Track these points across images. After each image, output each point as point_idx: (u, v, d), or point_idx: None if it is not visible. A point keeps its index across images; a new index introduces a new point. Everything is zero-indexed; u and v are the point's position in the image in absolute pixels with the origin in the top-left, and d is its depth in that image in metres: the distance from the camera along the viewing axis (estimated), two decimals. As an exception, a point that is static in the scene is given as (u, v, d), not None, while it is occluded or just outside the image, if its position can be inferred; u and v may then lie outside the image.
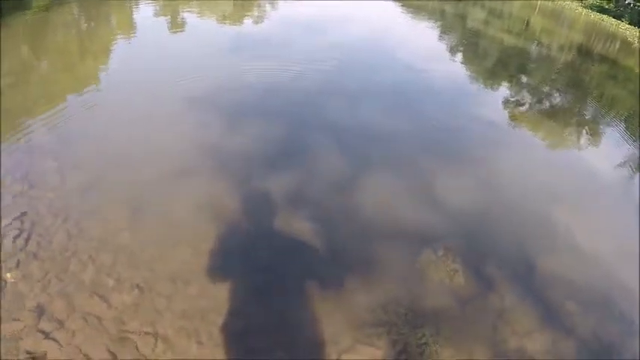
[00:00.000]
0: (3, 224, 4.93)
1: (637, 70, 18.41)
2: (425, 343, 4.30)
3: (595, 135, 10.71)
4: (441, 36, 18.93)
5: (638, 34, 26.32)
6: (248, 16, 16.83)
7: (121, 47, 11.13)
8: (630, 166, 9.19)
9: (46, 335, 3.98)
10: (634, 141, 10.74)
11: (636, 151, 10.05)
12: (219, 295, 4.47)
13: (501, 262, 5.51)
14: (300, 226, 5.55)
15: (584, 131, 10.77)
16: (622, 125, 11.97)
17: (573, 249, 6.08)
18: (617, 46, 23.50)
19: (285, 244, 5.29)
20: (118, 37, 12.06)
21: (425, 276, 5.09)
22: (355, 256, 5.26)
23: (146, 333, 4.07)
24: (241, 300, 4.48)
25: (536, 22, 27.89)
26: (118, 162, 6.29)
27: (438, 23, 21.77)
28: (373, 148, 7.74)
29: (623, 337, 4.89)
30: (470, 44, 18.33)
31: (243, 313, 4.36)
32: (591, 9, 33.37)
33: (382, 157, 7.50)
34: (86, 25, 13.35)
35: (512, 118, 10.50)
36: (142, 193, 5.71)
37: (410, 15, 23.36)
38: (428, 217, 6.11)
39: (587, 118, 12.02)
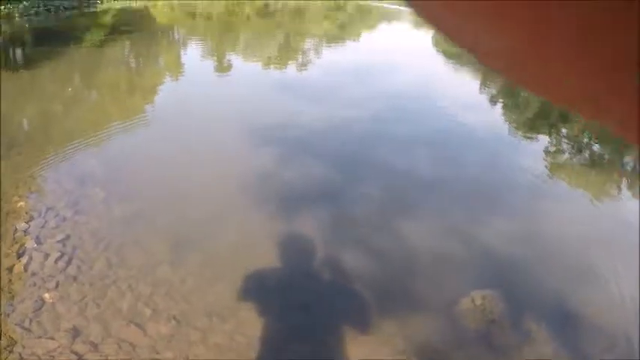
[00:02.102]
0: (48, 245, 5.07)
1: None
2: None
3: (635, 185, 10.55)
4: (482, 85, 18.99)
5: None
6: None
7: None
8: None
9: (79, 357, 3.99)
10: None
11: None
12: (254, 332, 4.48)
13: (541, 313, 5.47)
14: (338, 269, 5.63)
15: (624, 182, 10.64)
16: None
17: (613, 298, 6.03)
18: None
19: (322, 285, 5.38)
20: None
21: (462, 325, 5.08)
22: (391, 300, 5.27)
23: (179, 363, 4.08)
24: (275, 337, 4.49)
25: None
26: (165, 195, 6.53)
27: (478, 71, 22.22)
28: (419, 191, 8.01)
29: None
30: (510, 93, 18.39)
31: (277, 350, 4.37)
32: None
33: (426, 200, 7.73)
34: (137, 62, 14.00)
35: (553, 169, 10.44)
36: (185, 229, 5.86)
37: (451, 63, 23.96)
38: (466, 267, 6.13)
39: (627, 168, 11.90)
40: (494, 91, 18.39)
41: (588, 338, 5.32)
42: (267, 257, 5.58)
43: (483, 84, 19.25)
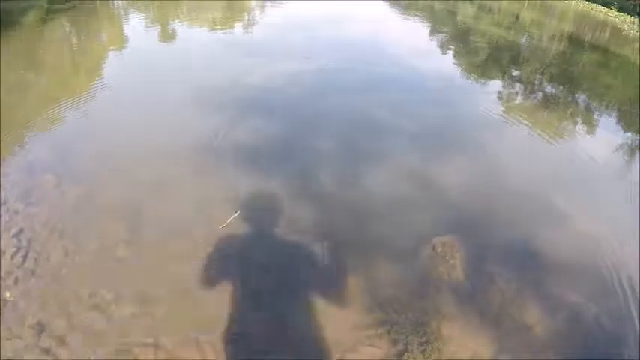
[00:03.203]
0: (2, 241, 4.95)
1: (630, 57, 18.48)
2: (426, 342, 4.31)
3: (589, 123, 10.75)
4: (432, 32, 19.02)
5: (627, 20, 26.44)
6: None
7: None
8: (626, 150, 9.27)
9: (48, 352, 3.98)
10: (628, 127, 10.80)
11: (632, 136, 10.15)
12: (219, 303, 4.48)
13: (500, 254, 5.53)
14: (298, 226, 5.59)
15: (578, 120, 10.82)
16: (615, 112, 12.03)
17: (574, 235, 6.09)
18: (607, 33, 23.58)
19: (283, 245, 5.32)
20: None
21: (424, 273, 5.11)
22: (352, 254, 5.28)
23: (147, 345, 4.07)
24: (241, 306, 4.49)
25: (526, 15, 27.96)
26: (116, 173, 6.36)
27: (429, 20, 21.86)
28: (375, 139, 7.94)
29: (628, 324, 4.85)
30: (461, 39, 18.40)
31: (244, 319, 4.37)
32: (580, -2, 33.50)
33: (376, 147, 7.69)
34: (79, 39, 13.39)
35: (507, 110, 10.53)
36: (140, 205, 5.73)
37: (401, 13, 23.42)
38: (424, 212, 6.13)
39: (581, 107, 12.06)
40: (444, 38, 18.09)
41: (551, 276, 5.35)
42: (225, 223, 5.49)
43: (433, 31, 19.13)
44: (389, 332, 4.37)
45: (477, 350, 4.31)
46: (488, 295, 4.92)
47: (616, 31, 23.76)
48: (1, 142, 6.69)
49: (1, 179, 5.93)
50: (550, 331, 4.64)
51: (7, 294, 4.45)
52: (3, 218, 5.29)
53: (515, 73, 14.43)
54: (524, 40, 20.35)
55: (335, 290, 4.72)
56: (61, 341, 4.08)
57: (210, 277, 4.72)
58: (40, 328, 4.16)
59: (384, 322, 4.47)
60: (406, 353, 4.19)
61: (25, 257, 4.83)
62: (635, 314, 4.93)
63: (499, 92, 11.98)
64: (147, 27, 14.71)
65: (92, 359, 3.93)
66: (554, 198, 6.82)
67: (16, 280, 4.57)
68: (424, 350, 4.23)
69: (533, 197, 6.84)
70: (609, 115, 11.82)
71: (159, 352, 4.01)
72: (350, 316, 4.48)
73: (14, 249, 4.90)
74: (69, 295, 4.47)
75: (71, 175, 6.19)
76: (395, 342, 4.29)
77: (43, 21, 14.07)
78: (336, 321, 4.39)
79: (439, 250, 5.32)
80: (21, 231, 5.14)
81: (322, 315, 4.43)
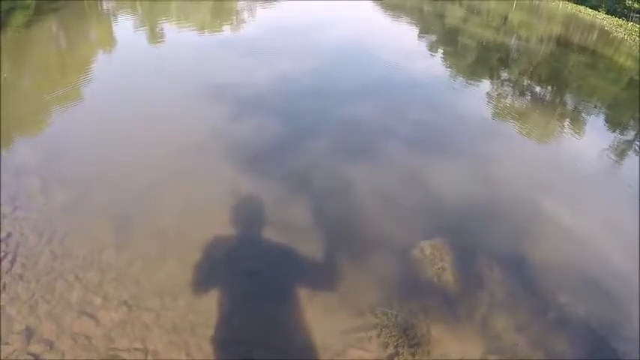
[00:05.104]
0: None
1: (616, 59, 18.67)
2: (416, 344, 4.33)
3: (577, 124, 10.84)
4: (421, 34, 19.10)
5: (615, 23, 26.71)
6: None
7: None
8: (614, 151, 9.36)
9: (36, 357, 3.96)
10: (616, 128, 10.93)
11: (619, 137, 10.27)
12: (207, 307, 4.46)
13: (490, 256, 5.54)
14: (287, 228, 5.58)
15: (567, 121, 10.91)
16: (603, 113, 12.15)
17: (562, 236, 6.14)
18: (595, 35, 23.79)
19: (272, 248, 5.32)
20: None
21: (413, 276, 5.13)
22: (342, 257, 5.28)
23: (136, 349, 4.06)
24: (230, 310, 4.47)
25: (515, 17, 28.14)
26: (103, 175, 6.33)
27: (418, 22, 21.94)
28: (358, 138, 8.07)
29: (617, 325, 4.90)
30: (449, 41, 18.50)
31: (233, 323, 4.36)
32: (569, 0, 33.75)
33: (363, 149, 7.76)
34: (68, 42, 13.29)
35: (496, 112, 10.60)
36: (127, 207, 5.71)
37: (390, 15, 23.48)
38: (414, 215, 6.15)
39: (569, 108, 12.16)
40: (433, 39, 18.21)
41: (540, 276, 5.39)
42: (213, 226, 5.48)
43: (422, 33, 19.25)
44: (379, 335, 4.38)
45: (467, 352, 4.33)
46: (478, 298, 4.95)
47: (604, 33, 23.98)
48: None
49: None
50: (539, 332, 4.67)
51: (-5, 299, 4.42)
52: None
53: (503, 74, 14.53)
54: (512, 41, 20.47)
55: (324, 294, 4.72)
56: (50, 347, 4.04)
57: (199, 282, 4.71)
58: (29, 334, 4.13)
59: (373, 325, 4.47)
60: (396, 357, 4.21)
61: (12, 262, 4.79)
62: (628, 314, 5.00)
63: (488, 93, 12.05)
64: (135, 28, 14.66)
65: (81, 364, 3.92)
66: (543, 199, 6.87)
67: (4, 286, 4.54)
68: (414, 353, 4.25)
69: (522, 199, 6.89)
70: (596, 116, 11.92)
71: (148, 356, 4.00)
72: (340, 319, 4.49)
73: (2, 253, 4.86)
74: (58, 301, 4.43)
75: (58, 178, 6.15)
76: (385, 345, 4.30)
77: (31, 22, 13.96)
78: (326, 324, 4.39)
79: (428, 253, 5.34)
80: (9, 235, 5.09)
81: (312, 319, 4.43)
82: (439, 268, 5.16)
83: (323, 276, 5.00)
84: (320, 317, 4.46)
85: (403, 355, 4.22)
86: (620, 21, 27.45)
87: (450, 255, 5.38)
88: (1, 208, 5.47)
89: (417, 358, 4.21)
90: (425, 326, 4.51)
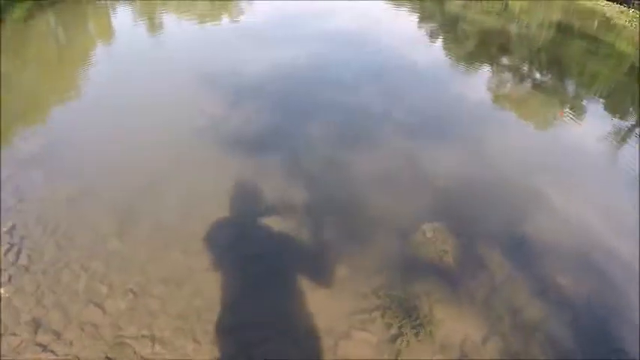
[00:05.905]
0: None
1: (617, 46, 18.56)
2: (419, 325, 4.36)
3: (578, 111, 10.79)
4: (421, 21, 19.00)
5: (616, 10, 26.55)
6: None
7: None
8: (613, 137, 9.32)
9: (44, 348, 4.00)
10: (615, 115, 10.87)
11: (618, 124, 10.21)
12: (212, 293, 4.52)
13: (491, 239, 5.56)
14: (290, 213, 5.63)
15: (566, 106, 10.85)
16: (603, 100, 12.08)
17: (563, 219, 6.14)
18: (596, 22, 23.65)
19: (275, 233, 5.35)
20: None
21: (416, 258, 5.15)
22: (344, 241, 5.31)
23: (143, 336, 4.11)
24: (234, 295, 4.53)
25: (515, 3, 27.96)
26: (106, 166, 6.38)
27: (419, 10, 21.83)
28: (359, 122, 8.09)
29: (616, 307, 4.92)
30: (449, 28, 18.40)
31: (237, 308, 4.41)
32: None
33: (366, 134, 7.75)
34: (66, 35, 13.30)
35: (496, 98, 10.57)
36: (130, 197, 5.75)
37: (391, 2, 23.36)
38: (415, 198, 6.17)
39: (569, 95, 12.10)
40: (433, 26, 18.06)
41: (540, 258, 5.40)
42: (215, 214, 5.52)
43: (422, 20, 19.12)
44: (382, 317, 4.42)
45: (469, 333, 4.36)
46: (479, 280, 4.97)
47: (605, 20, 23.82)
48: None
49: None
50: (539, 311, 4.70)
51: (2, 290, 4.47)
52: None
53: (504, 60, 14.45)
54: (513, 27, 20.35)
55: (328, 277, 4.76)
56: (58, 336, 4.09)
57: (203, 268, 4.75)
58: (36, 325, 4.18)
59: (377, 307, 4.52)
60: (399, 337, 4.24)
61: (18, 253, 4.84)
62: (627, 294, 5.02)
63: (488, 79, 12.00)
64: (134, 21, 14.66)
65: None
66: (544, 183, 6.86)
67: (10, 278, 4.59)
68: (417, 333, 4.28)
69: (523, 183, 6.88)
70: (597, 102, 11.87)
71: (155, 344, 4.04)
72: (343, 302, 4.53)
73: (7, 245, 4.91)
74: (64, 291, 4.48)
75: (62, 169, 6.21)
76: (388, 326, 4.34)
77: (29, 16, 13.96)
78: (330, 307, 4.44)
79: (430, 235, 5.37)
80: (13, 227, 5.14)
81: (315, 301, 4.48)
82: (441, 251, 5.19)
83: (326, 260, 5.03)
84: (324, 300, 4.51)
85: (407, 335, 4.26)
86: (622, 8, 27.26)
87: (451, 238, 5.41)
88: (6, 201, 5.52)
89: (419, 338, 4.25)
90: (427, 307, 4.55)
